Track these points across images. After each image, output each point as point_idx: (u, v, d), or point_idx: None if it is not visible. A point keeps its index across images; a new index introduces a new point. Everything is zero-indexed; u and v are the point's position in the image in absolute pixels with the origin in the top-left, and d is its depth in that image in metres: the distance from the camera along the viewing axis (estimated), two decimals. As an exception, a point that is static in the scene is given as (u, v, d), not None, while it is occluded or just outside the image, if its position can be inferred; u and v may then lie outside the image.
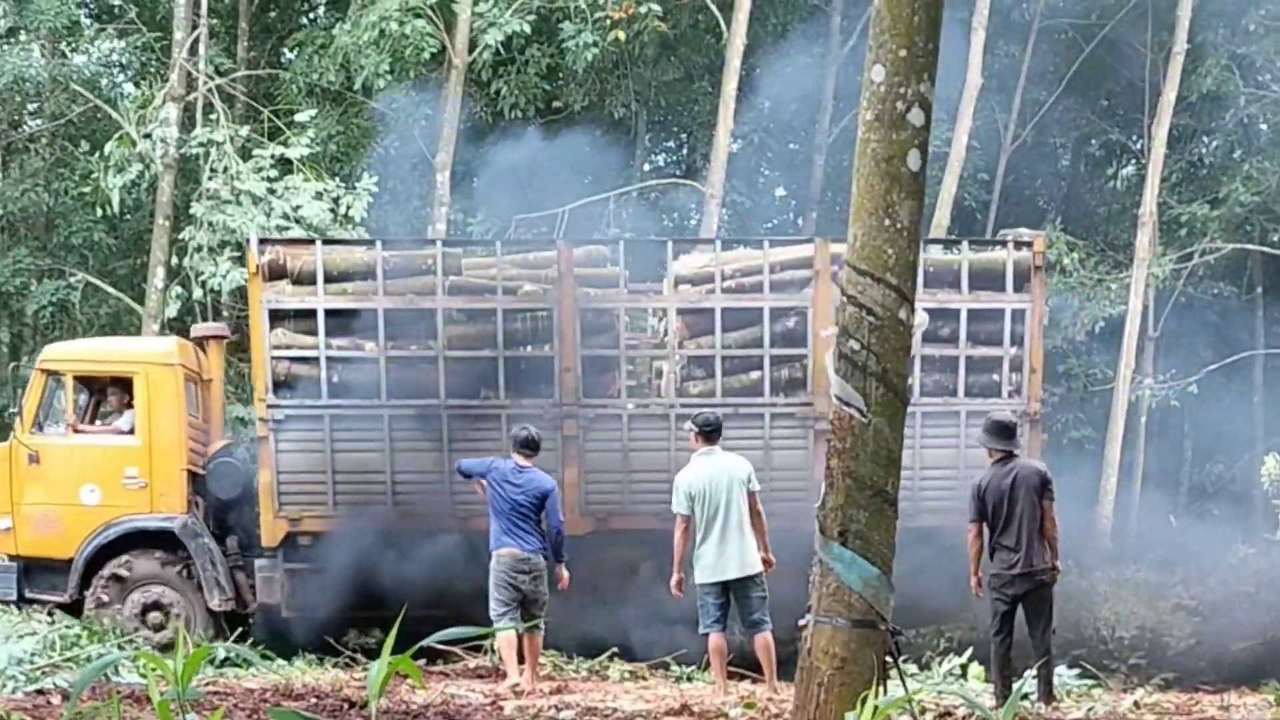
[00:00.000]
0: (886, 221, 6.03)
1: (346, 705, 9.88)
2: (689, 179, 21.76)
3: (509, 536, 12.06)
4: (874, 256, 6.00)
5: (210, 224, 19.75)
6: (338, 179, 20.95)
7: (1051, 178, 27.42)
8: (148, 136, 21.01)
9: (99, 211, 21.81)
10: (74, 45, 26.10)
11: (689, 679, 13.66)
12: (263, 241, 15.10)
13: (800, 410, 15.19)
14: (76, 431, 14.89)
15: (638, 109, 25.14)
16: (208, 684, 7.81)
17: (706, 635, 11.49)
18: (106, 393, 15.41)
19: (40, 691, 10.20)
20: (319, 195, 19.97)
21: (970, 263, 15.53)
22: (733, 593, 11.40)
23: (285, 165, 20.47)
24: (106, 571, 14.73)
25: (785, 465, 15.24)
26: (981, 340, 15.47)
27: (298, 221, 19.40)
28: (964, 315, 15.37)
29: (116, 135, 21.32)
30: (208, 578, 14.69)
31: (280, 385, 14.78)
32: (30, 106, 26.06)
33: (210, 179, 20.57)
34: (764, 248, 15.64)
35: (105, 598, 14.59)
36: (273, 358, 14.69)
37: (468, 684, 11.77)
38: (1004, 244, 15.94)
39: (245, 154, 20.73)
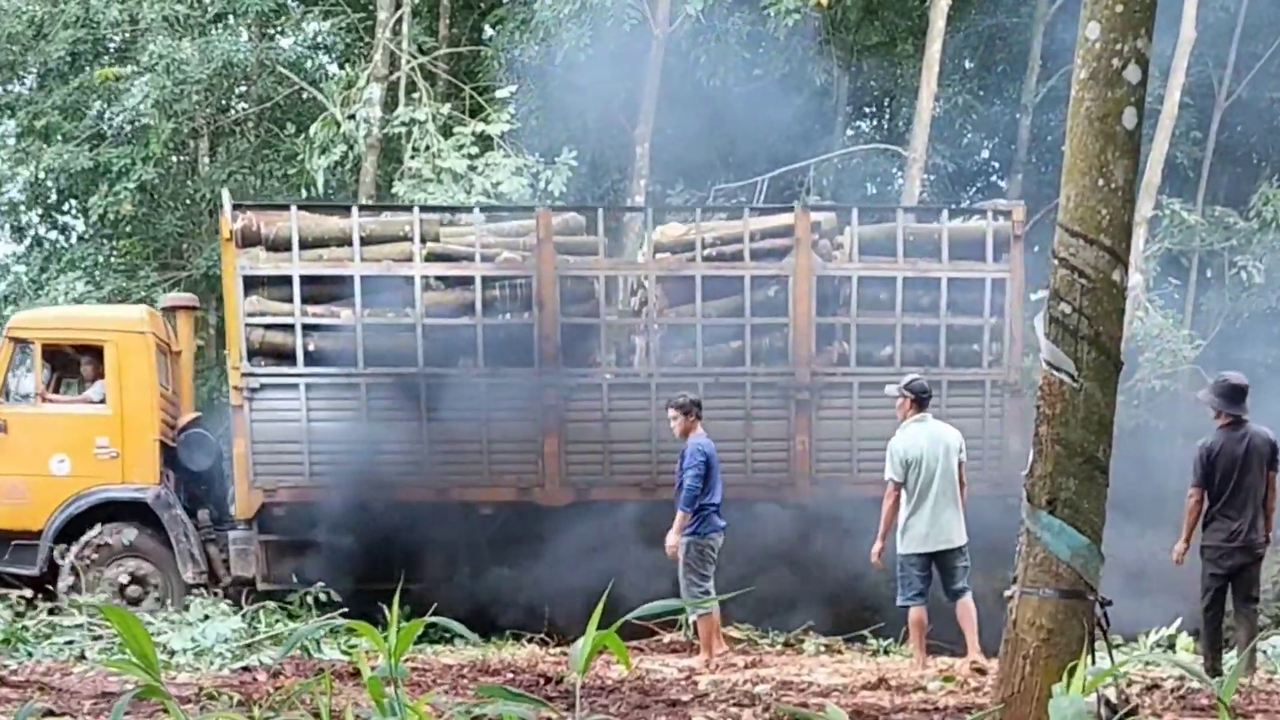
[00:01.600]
0: (1100, 181, 5.82)
1: (544, 680, 9.93)
2: (891, 144, 21.25)
3: (719, 516, 12.03)
4: (1087, 218, 5.79)
5: (411, 203, 18.75)
6: (537, 154, 20.92)
7: (1267, 134, 26.26)
8: (351, 117, 21.10)
9: (304, 193, 21.56)
10: (280, 28, 26.20)
11: (885, 653, 13.59)
12: (236, 206, 14.82)
13: (781, 380, 15.12)
14: (46, 400, 14.46)
15: (839, 75, 24.42)
16: (405, 660, 7.74)
17: (906, 609, 11.18)
18: (77, 362, 14.88)
19: (246, 669, 10.39)
20: (519, 171, 19.89)
21: (950, 232, 15.52)
22: (937, 563, 11.15)
23: (486, 142, 20.50)
24: (84, 542, 14.44)
25: (766, 435, 15.23)
26: (962, 310, 15.42)
27: (498, 198, 19.28)
28: (944, 284, 15.38)
29: (321, 117, 21.56)
30: (181, 550, 14.48)
31: (255, 353, 14.57)
32: (237, 90, 26.19)
33: (412, 158, 20.53)
34: (744, 216, 15.54)
35: (81, 571, 14.09)
36: (247, 325, 14.48)
37: (660, 658, 11.71)
38: (983, 214, 15.85)
39: (446, 132, 20.78)
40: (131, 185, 22.89)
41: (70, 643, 11.82)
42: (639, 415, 15.09)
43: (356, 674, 9.16)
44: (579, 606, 14.03)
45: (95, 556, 14.44)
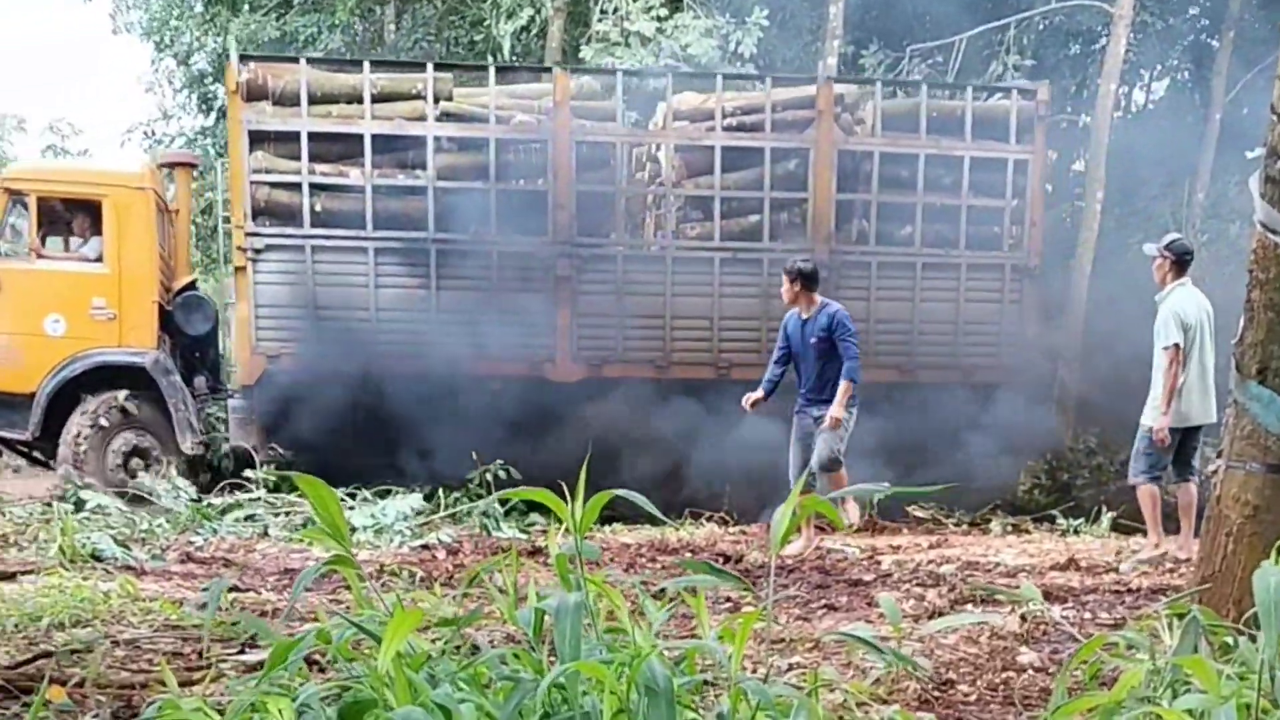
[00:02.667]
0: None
1: (723, 559, 9.79)
2: (1097, 1, 20.43)
3: None
4: (1311, 72, 5.23)
5: (599, 67, 18.51)
6: (727, 15, 19.97)
7: None
8: None
9: (490, 59, 20.41)
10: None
11: (1075, 532, 13.20)
12: (243, 58, 14.10)
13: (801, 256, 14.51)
14: (40, 257, 13.77)
15: (1042, -76, 22.99)
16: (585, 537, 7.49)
17: (1138, 484, 10.30)
18: (70, 217, 14.18)
19: (425, 546, 10.45)
20: (708, 33, 19.24)
21: (974, 110, 15.12)
22: (1183, 439, 10.23)
23: (675, 3, 19.85)
24: (90, 410, 13.88)
25: (781, 314, 14.68)
26: (983, 191, 15.13)
27: (686, 60, 18.58)
28: (966, 164, 15.08)
29: None
30: (180, 418, 14.01)
31: (259, 213, 13.99)
32: None
33: (600, 21, 19.87)
34: (766, 85, 14.99)
35: (85, 440, 13.56)
36: (252, 182, 13.83)
37: (840, 538, 11.23)
38: (1008, 92, 15.39)
39: None
40: (317, 52, 22.15)
41: (251, 517, 11.81)
42: (654, 290, 14.65)
43: (535, 552, 9.40)
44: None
45: (105, 424, 13.87)
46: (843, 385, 10.74)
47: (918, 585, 8.28)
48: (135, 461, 14.04)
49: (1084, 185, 19.05)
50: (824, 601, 7.74)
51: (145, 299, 14.18)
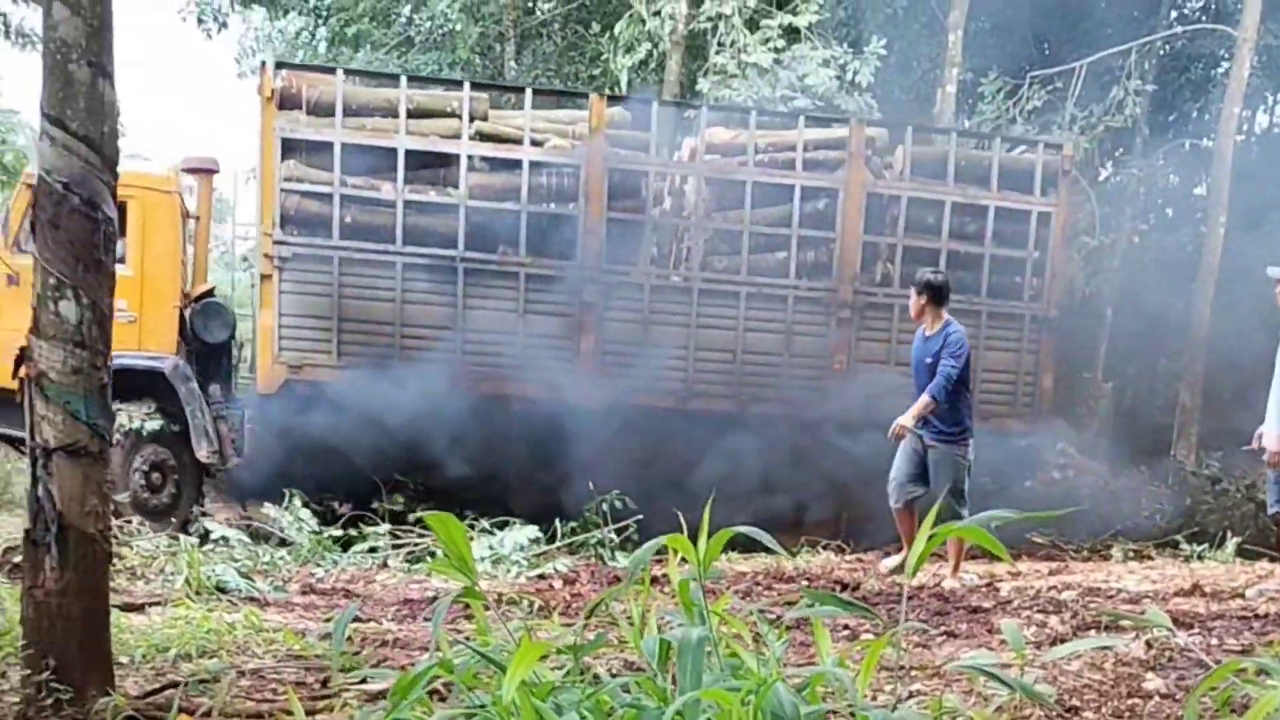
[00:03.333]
0: None
1: (840, 587, 9.88)
2: (1219, 24, 20.28)
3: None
4: None
5: (716, 99, 18.94)
6: (845, 45, 20.16)
7: None
8: (657, 14, 20.75)
9: (607, 94, 20.81)
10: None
11: (1199, 558, 13.12)
12: (278, 65, 14.00)
13: (824, 296, 14.59)
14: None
15: (1162, -51, 23.55)
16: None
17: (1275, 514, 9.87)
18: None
19: (542, 576, 10.57)
20: (826, 63, 19.35)
21: (1001, 160, 15.31)
22: None
23: (792, 34, 19.93)
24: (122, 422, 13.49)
25: (805, 352, 14.82)
26: (1006, 241, 15.26)
27: (804, 91, 18.75)
28: (991, 213, 15.16)
29: (627, 15, 21.31)
30: (196, 425, 13.84)
31: (288, 221, 13.80)
32: None
33: (717, 53, 20.08)
34: (799, 124, 15.04)
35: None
36: (283, 190, 13.74)
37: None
38: (1035, 145, 15.40)
39: (753, 25, 20.25)
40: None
41: (374, 550, 11.84)
42: (679, 320, 14.65)
43: (653, 580, 9.11)
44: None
45: (128, 436, 13.66)
46: (922, 399, 10.69)
47: (1039, 612, 8.29)
48: (156, 476, 13.82)
49: (1206, 210, 19.19)
50: (944, 629, 7.75)
51: (167, 303, 14.08)
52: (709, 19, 20.41)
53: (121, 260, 13.59)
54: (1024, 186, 15.31)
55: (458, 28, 23.59)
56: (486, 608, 3.94)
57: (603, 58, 22.33)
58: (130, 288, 13.68)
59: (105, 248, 5.12)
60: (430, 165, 14.21)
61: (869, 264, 15.00)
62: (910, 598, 9.12)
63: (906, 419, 10.67)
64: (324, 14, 26.56)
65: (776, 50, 19.49)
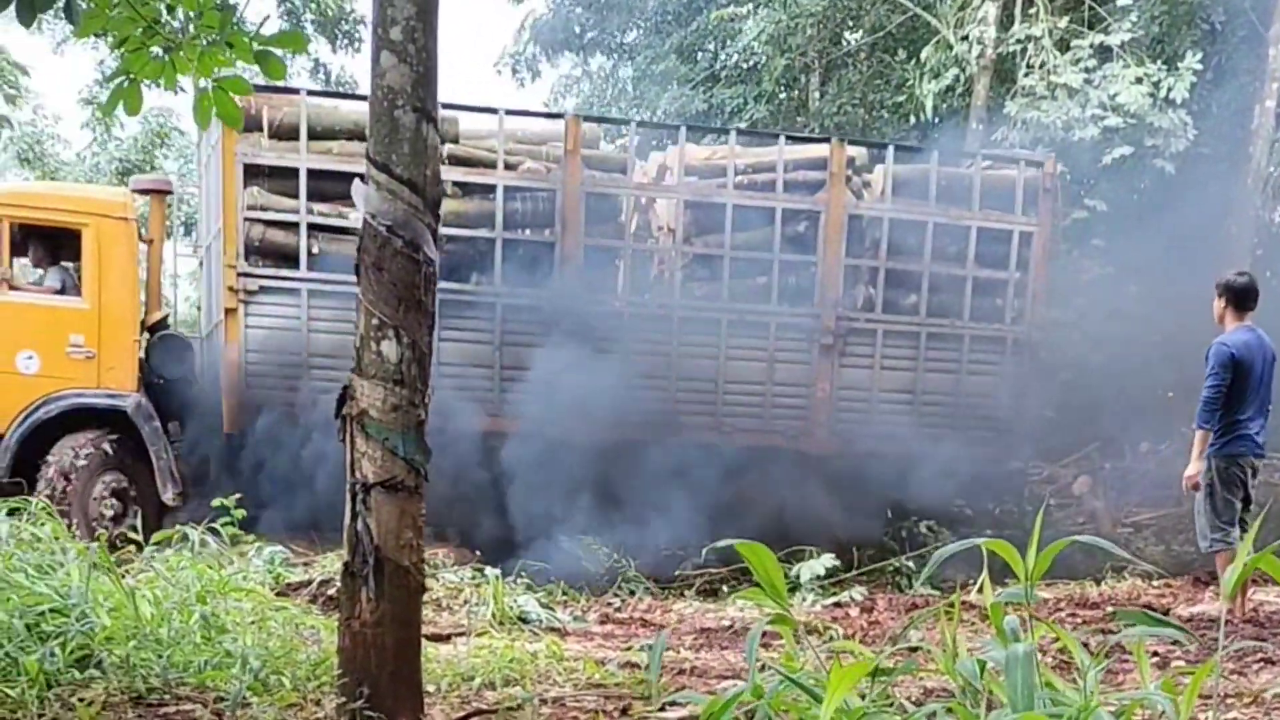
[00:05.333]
0: None
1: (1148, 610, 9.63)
2: None
3: (1255, 433, 10.28)
4: None
5: (1024, 122, 19.00)
6: (1159, 61, 19.86)
7: None
8: (965, 39, 20.67)
9: (911, 120, 22.04)
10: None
11: None
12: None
13: (807, 322, 14.31)
14: (13, 288, 12.88)
15: None
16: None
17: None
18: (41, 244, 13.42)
19: (838, 604, 11.04)
20: (1138, 80, 19.02)
21: (982, 178, 15.47)
22: None
23: (1104, 54, 19.76)
24: (72, 452, 13.21)
25: (788, 379, 14.54)
26: (988, 262, 15.36)
27: (1114, 110, 18.62)
28: (973, 234, 15.26)
29: (934, 40, 21.41)
30: (161, 467, 13.67)
31: (253, 252, 13.19)
32: (850, 21, 25.73)
33: (1026, 75, 20.01)
34: (779, 143, 15.03)
35: (67, 483, 12.63)
36: (246, 219, 13.18)
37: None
38: (1016, 162, 15.31)
39: (1063, 46, 20.20)
40: (743, 124, 23.22)
41: None
42: (660, 350, 14.49)
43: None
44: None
45: (86, 464, 13.04)
46: (1196, 434, 10.33)
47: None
48: (115, 504, 13.23)
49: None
50: (1260, 656, 7.76)
51: (126, 337, 13.84)
52: (1018, 41, 20.72)
53: (60, 290, 13.06)
54: (1005, 205, 15.49)
55: (763, 61, 24.25)
56: (797, 636, 4.13)
57: (908, 84, 22.73)
58: (87, 321, 13.46)
59: (425, 288, 5.42)
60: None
61: (850, 288, 14.67)
62: (1226, 623, 9.15)
63: (1192, 465, 10.17)
64: (631, 54, 27.80)
65: (1087, 70, 19.64)
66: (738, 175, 14.69)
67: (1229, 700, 6.01)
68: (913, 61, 22.90)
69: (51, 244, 13.73)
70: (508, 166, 14.18)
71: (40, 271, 13.90)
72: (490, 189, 14.08)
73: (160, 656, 6.05)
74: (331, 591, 8.92)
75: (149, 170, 28.41)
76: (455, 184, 14.01)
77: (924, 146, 16.86)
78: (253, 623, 6.81)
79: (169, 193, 14.97)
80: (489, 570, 10.65)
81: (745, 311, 14.66)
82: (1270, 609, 10.12)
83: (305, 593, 9.41)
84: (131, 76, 5.82)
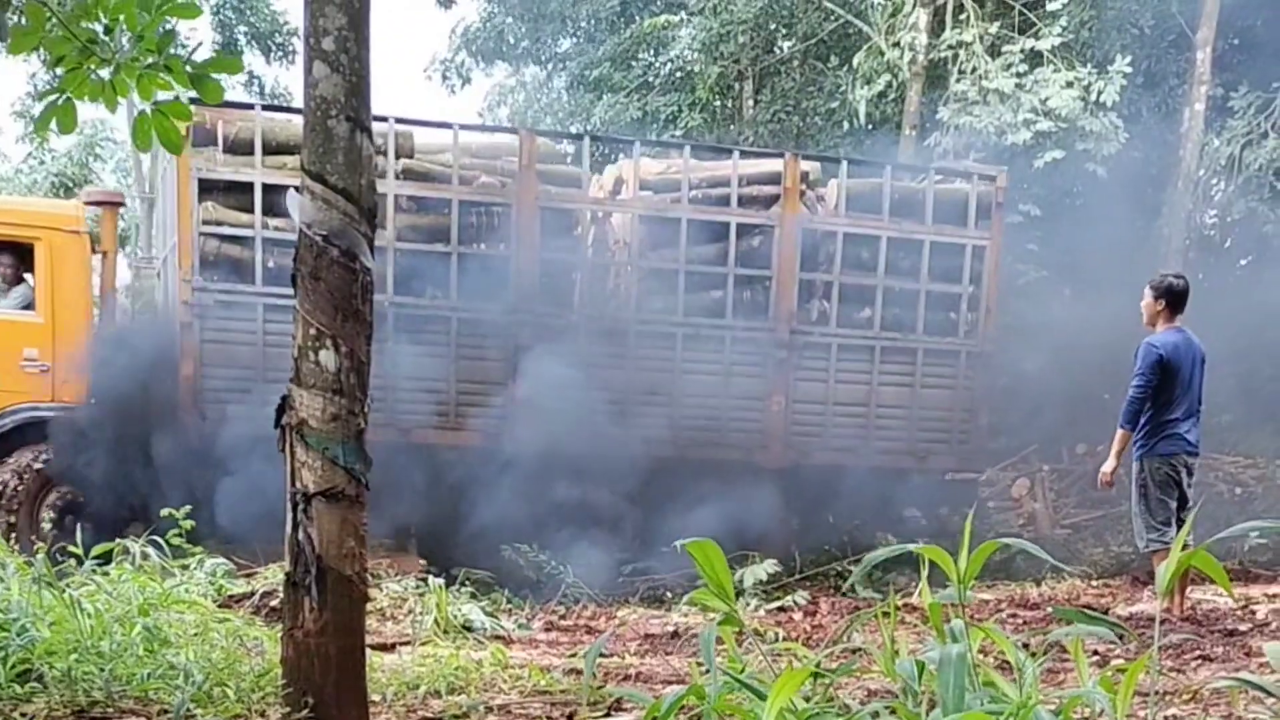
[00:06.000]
0: None
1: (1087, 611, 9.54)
2: None
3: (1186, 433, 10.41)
4: None
5: (956, 127, 19.17)
6: (1089, 65, 20.00)
7: None
8: (896, 45, 20.84)
9: (844, 126, 22.17)
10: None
11: None
12: (191, 101, 13.13)
13: (761, 336, 14.51)
14: (-23, 304, 13.01)
15: None
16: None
17: None
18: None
19: (782, 608, 11.30)
20: (1069, 85, 19.18)
21: (935, 192, 15.55)
22: None
23: (1034, 58, 19.95)
24: (21, 464, 12.89)
25: (743, 394, 14.50)
26: (941, 276, 15.42)
27: (1046, 114, 18.78)
28: (926, 247, 15.37)
29: (865, 47, 21.55)
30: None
31: (208, 266, 13.21)
32: (782, 30, 26.00)
33: (958, 81, 20.05)
34: (733, 158, 14.97)
35: (17, 495, 12.57)
36: (201, 234, 13.10)
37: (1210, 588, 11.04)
38: (968, 176, 15.31)
39: (994, 52, 20.31)
40: (678, 132, 23.63)
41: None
42: (615, 364, 14.46)
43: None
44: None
45: (32, 480, 13.02)
46: (1117, 432, 10.56)
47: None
48: (69, 518, 13.13)
49: None
50: (1198, 652, 7.94)
51: (80, 351, 13.20)
52: (949, 47, 20.82)
53: (28, 306, 12.93)
54: (957, 219, 15.55)
55: (697, 69, 24.60)
56: (745, 636, 4.22)
57: (841, 90, 23.03)
58: (41, 335, 13.32)
59: (363, 297, 5.49)
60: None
61: (804, 302, 14.77)
62: (1162, 622, 9.25)
63: (1109, 463, 10.44)
64: (564, 62, 28.00)
65: (1018, 75, 19.78)
66: (692, 190, 14.70)
67: (1168, 697, 6.07)
68: (845, 68, 23.16)
69: (19, 257, 13.65)
70: (463, 181, 14.15)
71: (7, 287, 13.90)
72: (445, 204, 14.03)
73: (102, 670, 6.02)
74: (275, 603, 8.87)
75: (85, 183, 28.45)
76: (410, 198, 14.04)
77: (875, 160, 16.97)
78: (196, 635, 6.78)
79: (121, 204, 14.93)
80: (432, 580, 10.72)
81: (700, 325, 14.67)
82: (1208, 607, 10.25)
83: (248, 604, 9.35)
84: (67, 95, 5.79)
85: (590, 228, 15.21)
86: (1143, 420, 10.18)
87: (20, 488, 13.21)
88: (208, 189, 13.59)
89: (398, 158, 13.98)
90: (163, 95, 5.97)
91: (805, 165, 15.30)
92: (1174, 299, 10.30)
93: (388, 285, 13.71)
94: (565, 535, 13.64)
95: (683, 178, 14.68)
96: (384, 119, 14.39)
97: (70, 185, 28.20)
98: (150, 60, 5.80)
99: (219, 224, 13.56)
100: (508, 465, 13.85)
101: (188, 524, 9.00)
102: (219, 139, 13.60)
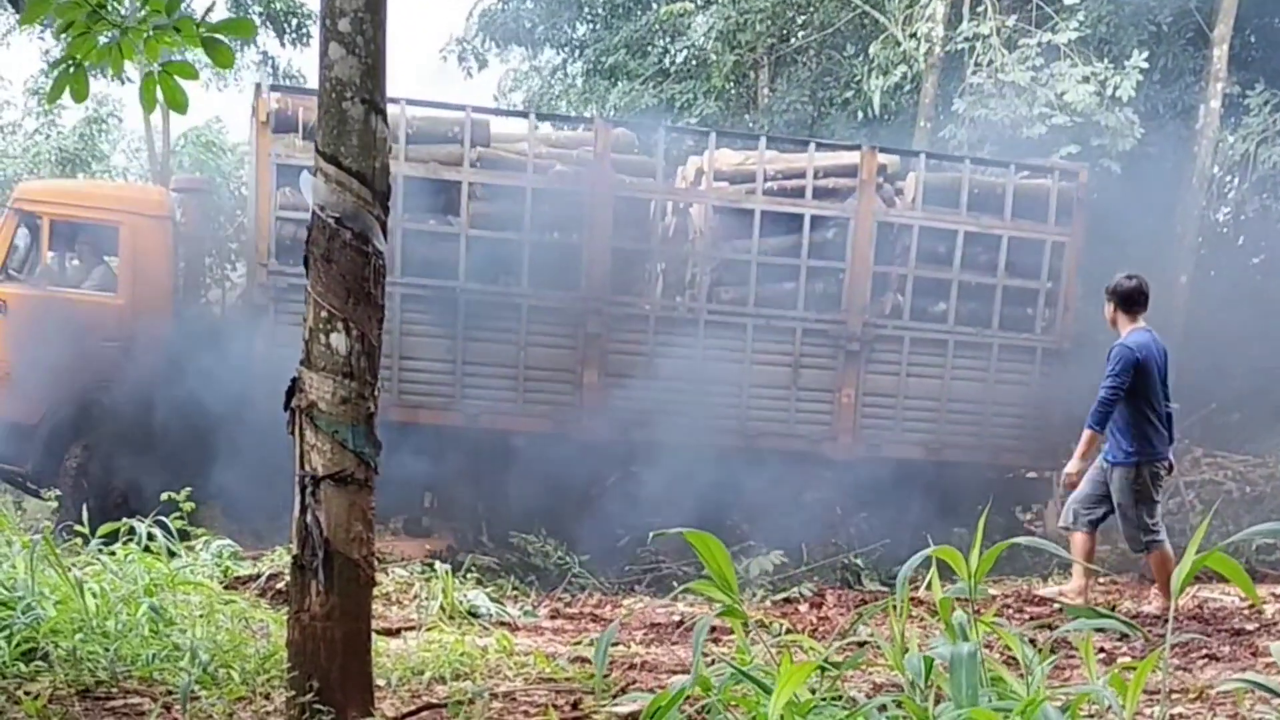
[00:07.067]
0: None
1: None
2: None
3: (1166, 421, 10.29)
4: None
5: (972, 120, 19.21)
6: (1105, 61, 19.85)
7: None
8: (913, 36, 20.76)
9: (860, 116, 21.92)
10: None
11: None
12: (273, 88, 13.41)
13: (833, 328, 14.12)
14: (52, 282, 13.03)
15: None
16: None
17: None
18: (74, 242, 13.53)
19: (788, 600, 11.07)
20: (1085, 79, 19.03)
21: (1015, 187, 15.17)
22: None
23: (1051, 52, 19.80)
24: (88, 444, 13.19)
25: (812, 385, 14.50)
26: (1019, 271, 15.16)
27: (1062, 108, 18.67)
28: (1005, 243, 15.05)
29: (881, 36, 21.43)
30: None
31: (285, 251, 13.43)
32: (799, 18, 25.78)
33: (974, 73, 20.01)
34: (809, 150, 14.92)
35: (85, 473, 12.81)
36: (278, 219, 13.14)
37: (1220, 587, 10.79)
38: (1050, 172, 15.18)
39: (1011, 45, 20.21)
40: (693, 120, 23.49)
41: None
42: (686, 354, 14.32)
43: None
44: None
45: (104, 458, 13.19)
46: (1084, 433, 10.22)
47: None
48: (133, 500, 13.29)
49: None
50: (1205, 652, 7.85)
51: (160, 331, 13.38)
52: (966, 39, 20.57)
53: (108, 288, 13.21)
54: (1037, 214, 15.27)
55: (713, 57, 24.35)
56: (747, 628, 4.17)
57: (856, 80, 22.74)
58: (122, 317, 13.19)
59: (375, 280, 5.40)
60: (431, 193, 13.84)
61: (878, 295, 14.67)
62: (1167, 620, 8.80)
63: (1072, 464, 10.21)
64: (580, 48, 27.69)
65: (1034, 68, 19.52)
66: (768, 181, 14.59)
67: (1174, 695, 5.97)
68: (861, 58, 22.87)
69: (100, 241, 13.85)
70: (538, 170, 14.01)
71: (89, 268, 14.14)
72: (519, 191, 13.96)
73: (107, 649, 6.06)
74: (281, 585, 8.84)
75: (91, 159, 29.12)
76: (485, 186, 13.98)
77: (958, 155, 16.72)
78: (201, 616, 6.78)
79: (208, 191, 15.14)
80: (438, 565, 10.59)
81: (772, 316, 14.55)
82: (1215, 605, 10.06)
83: (254, 586, 9.32)
84: (77, 61, 5.79)
85: (672, 219, 15.23)
86: (1128, 427, 9.91)
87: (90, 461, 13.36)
88: (288, 175, 13.57)
89: (473, 145, 13.95)
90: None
91: (883, 158, 15.10)
92: (1121, 299, 10.08)
93: (460, 272, 13.78)
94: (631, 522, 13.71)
95: (758, 169, 14.60)
96: (461, 108, 14.56)
97: (74, 160, 28.43)
98: (158, 22, 5.79)
99: (295, 209, 13.47)
100: (574, 452, 13.71)
101: (189, 505, 8.96)
102: (299, 125, 13.71)
